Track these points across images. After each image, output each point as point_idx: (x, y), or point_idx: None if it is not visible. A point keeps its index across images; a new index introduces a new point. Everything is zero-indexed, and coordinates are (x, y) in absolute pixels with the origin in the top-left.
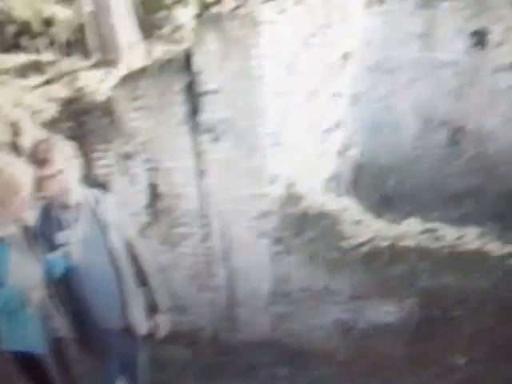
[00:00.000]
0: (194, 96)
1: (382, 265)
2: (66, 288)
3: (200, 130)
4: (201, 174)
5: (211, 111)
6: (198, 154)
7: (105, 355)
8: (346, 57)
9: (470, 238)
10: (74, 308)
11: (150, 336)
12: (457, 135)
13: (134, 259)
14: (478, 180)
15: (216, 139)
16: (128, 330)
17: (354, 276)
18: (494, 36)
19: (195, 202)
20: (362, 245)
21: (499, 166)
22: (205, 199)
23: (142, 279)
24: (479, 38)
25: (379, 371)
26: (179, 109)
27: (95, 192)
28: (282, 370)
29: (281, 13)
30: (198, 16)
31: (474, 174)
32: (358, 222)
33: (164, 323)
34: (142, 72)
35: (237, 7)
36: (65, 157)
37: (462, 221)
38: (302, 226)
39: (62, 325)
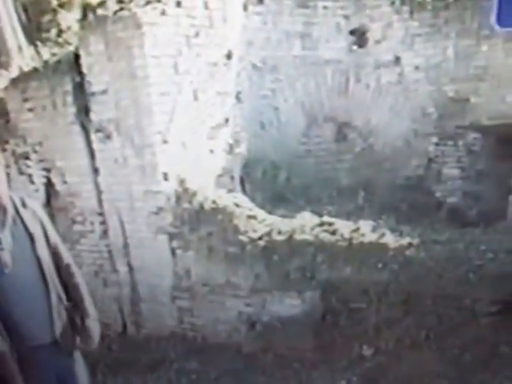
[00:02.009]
0: (83, 96)
1: (280, 258)
2: None
3: (91, 130)
4: (95, 172)
5: (100, 111)
6: (91, 153)
7: (37, 372)
8: (229, 56)
9: (366, 230)
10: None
11: (86, 344)
12: (344, 131)
13: (62, 268)
14: (368, 174)
15: (107, 138)
16: (58, 345)
17: (254, 270)
18: (373, 34)
19: (91, 200)
20: (259, 239)
21: (386, 161)
22: (100, 197)
23: (70, 289)
24: (359, 36)
25: (288, 363)
26: (70, 109)
27: (21, 196)
28: (190, 363)
29: (163, 14)
30: (83, 19)
31: (363, 168)
32: (252, 217)
33: (95, 329)
34: (31, 74)
35: (120, 9)
36: None
37: (356, 214)
38: (198, 222)
39: None
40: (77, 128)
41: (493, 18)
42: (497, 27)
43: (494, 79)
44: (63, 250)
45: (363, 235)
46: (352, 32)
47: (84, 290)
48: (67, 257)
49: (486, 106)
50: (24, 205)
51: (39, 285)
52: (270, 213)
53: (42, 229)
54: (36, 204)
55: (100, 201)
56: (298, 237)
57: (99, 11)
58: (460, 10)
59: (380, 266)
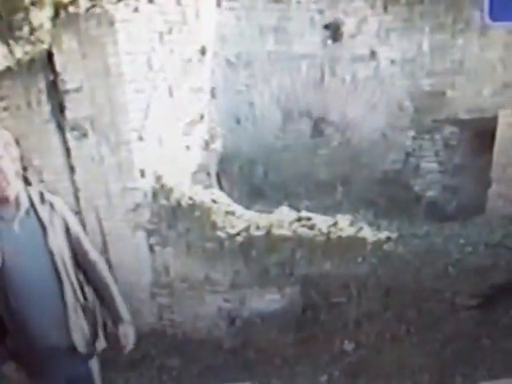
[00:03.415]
0: (58, 95)
1: (259, 254)
2: None
3: (66, 128)
4: (71, 170)
5: (75, 109)
6: (67, 151)
7: (46, 378)
8: (203, 52)
9: (344, 225)
10: (8, 322)
11: (118, 350)
12: (320, 125)
13: (87, 266)
14: (346, 168)
15: (82, 136)
16: (74, 349)
17: (233, 265)
18: (347, 28)
19: (68, 198)
20: (237, 234)
21: (363, 155)
22: (77, 195)
23: (99, 288)
24: (333, 30)
25: (269, 359)
26: (45, 107)
27: (40, 190)
28: (172, 360)
29: (135, 11)
30: (55, 17)
31: (340, 162)
32: (230, 213)
33: (130, 335)
34: (5, 73)
35: (92, 6)
36: (2, 143)
37: (334, 209)
38: (176, 218)
39: None
40: (52, 126)
41: (485, 12)
42: (489, 21)
43: (470, 73)
44: (88, 246)
45: (341, 230)
46: (326, 26)
47: (114, 290)
48: (94, 254)
49: (462, 99)
50: (42, 200)
51: (53, 281)
52: (247, 208)
53: (62, 224)
54: (57, 199)
55: (77, 199)
56: (276, 232)
57: (71, 9)
58: (434, 4)
59: (359, 260)
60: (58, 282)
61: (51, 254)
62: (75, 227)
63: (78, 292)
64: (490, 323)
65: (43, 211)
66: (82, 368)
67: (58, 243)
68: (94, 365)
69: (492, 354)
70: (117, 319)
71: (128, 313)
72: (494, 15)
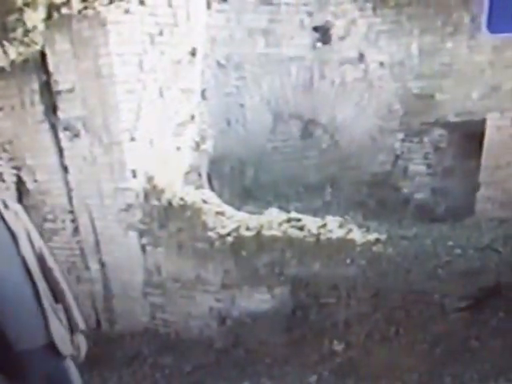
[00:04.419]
0: (51, 95)
1: (249, 254)
2: None
3: (59, 128)
4: (64, 170)
5: (68, 109)
6: (60, 151)
7: (26, 378)
8: (193, 53)
9: (333, 226)
10: None
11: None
12: (310, 127)
13: (47, 273)
14: (335, 170)
15: (75, 136)
16: (52, 349)
17: (224, 265)
18: (337, 30)
19: (61, 197)
20: (227, 235)
21: (352, 157)
22: (70, 195)
23: (57, 295)
24: (323, 33)
25: (259, 358)
26: (38, 108)
27: (4, 200)
28: (164, 358)
29: (127, 13)
30: (48, 18)
31: (330, 164)
32: (220, 213)
33: (82, 345)
34: None
35: (84, 8)
36: None
37: (323, 210)
38: (167, 218)
39: None
40: (45, 126)
41: (483, 23)
42: (487, 33)
43: (459, 76)
44: (47, 254)
45: (330, 231)
46: (316, 29)
47: (70, 298)
48: (50, 260)
49: (451, 102)
50: (6, 206)
51: (26, 286)
52: (237, 209)
53: (25, 231)
54: (18, 207)
55: (70, 198)
56: (266, 233)
57: (63, 10)
58: (423, 7)
59: (348, 261)
60: (32, 286)
61: (23, 259)
62: (36, 235)
63: (49, 296)
64: (478, 325)
65: (10, 218)
66: (59, 368)
67: (28, 250)
68: (71, 364)
69: (480, 355)
70: (72, 326)
71: (83, 323)
72: (492, 27)
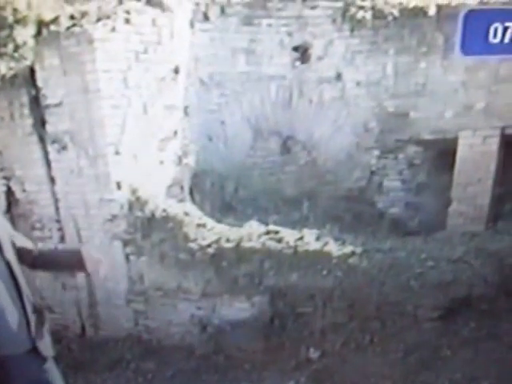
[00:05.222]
0: (40, 109)
1: (229, 264)
2: None
3: (47, 141)
4: (52, 181)
5: (56, 123)
6: (48, 163)
7: None
8: (176, 71)
9: (310, 239)
10: None
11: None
12: (288, 144)
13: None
14: (312, 185)
15: (62, 149)
16: (34, 352)
17: (204, 275)
18: (315, 50)
19: (49, 207)
20: (208, 246)
21: (329, 173)
22: (57, 205)
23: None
24: (302, 53)
25: (239, 364)
26: (27, 121)
27: None
28: (146, 363)
29: (113, 31)
30: (37, 34)
31: (307, 179)
32: (201, 225)
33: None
34: None
35: (72, 25)
36: None
37: (301, 223)
38: (150, 229)
39: None
40: (34, 139)
41: (456, 45)
42: (460, 54)
43: (433, 95)
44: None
45: (308, 243)
46: (295, 48)
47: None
48: (17, 268)
49: (425, 120)
50: None
51: (10, 291)
52: (218, 221)
53: (8, 235)
54: None
55: (57, 208)
56: (246, 244)
57: (52, 27)
58: (399, 28)
59: (324, 272)
60: (17, 291)
61: (8, 264)
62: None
63: (31, 299)
64: (450, 334)
65: None
66: (42, 371)
67: (11, 253)
68: (53, 366)
69: (452, 364)
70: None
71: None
72: (466, 49)
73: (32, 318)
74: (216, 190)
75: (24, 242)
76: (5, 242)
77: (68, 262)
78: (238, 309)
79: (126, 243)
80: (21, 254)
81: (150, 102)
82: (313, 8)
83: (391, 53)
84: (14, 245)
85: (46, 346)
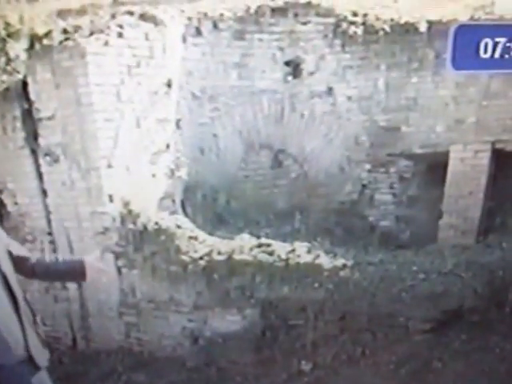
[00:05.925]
0: (32, 122)
1: (221, 277)
2: None
3: (40, 154)
4: (44, 194)
5: (48, 136)
6: (40, 176)
7: None
8: (169, 85)
9: (301, 252)
10: None
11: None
12: (279, 157)
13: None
14: (304, 198)
15: (55, 162)
16: (29, 362)
17: (196, 287)
18: (307, 65)
19: (40, 220)
20: (200, 258)
21: (320, 186)
22: (49, 217)
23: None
24: (294, 67)
25: (230, 376)
26: (19, 134)
27: None
28: (138, 376)
29: (106, 45)
30: (30, 48)
31: (298, 193)
32: (193, 238)
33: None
34: None
35: (65, 39)
36: None
37: (292, 236)
38: (142, 242)
39: None
40: (26, 152)
41: (447, 60)
42: (451, 69)
43: (424, 109)
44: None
45: (299, 256)
46: (287, 63)
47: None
48: (13, 279)
49: (416, 135)
50: None
51: (7, 302)
52: (210, 234)
53: (4, 247)
54: None
55: (49, 221)
56: (237, 257)
57: (45, 41)
58: (390, 44)
59: (316, 285)
60: (13, 302)
61: (4, 275)
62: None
63: (28, 308)
64: (441, 347)
65: None
66: (36, 381)
67: (7, 263)
68: (46, 376)
69: (443, 376)
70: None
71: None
72: (456, 64)
73: (28, 328)
74: (208, 202)
75: (20, 251)
76: (0, 253)
77: (68, 271)
78: (229, 321)
79: (117, 256)
80: (17, 262)
81: (142, 116)
82: (304, 23)
83: (382, 68)
84: (10, 254)
85: (41, 356)
